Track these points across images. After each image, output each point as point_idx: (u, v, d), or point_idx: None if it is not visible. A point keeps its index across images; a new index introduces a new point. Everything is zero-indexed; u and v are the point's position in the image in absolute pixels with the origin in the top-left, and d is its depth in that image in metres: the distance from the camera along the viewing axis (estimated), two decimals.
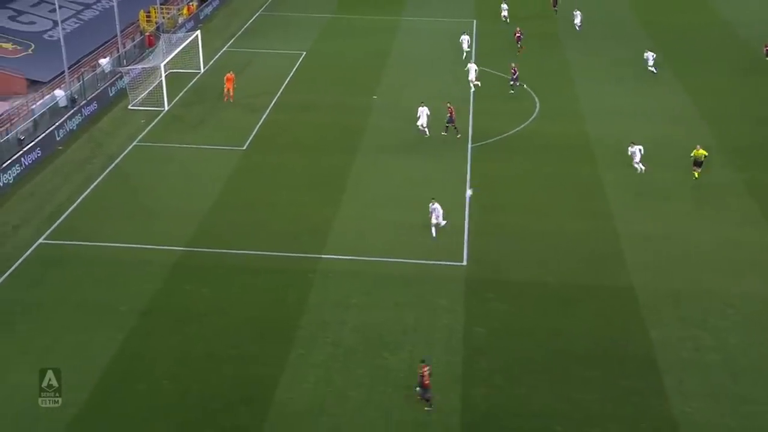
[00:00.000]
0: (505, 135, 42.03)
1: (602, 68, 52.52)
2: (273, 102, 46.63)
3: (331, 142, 41.34)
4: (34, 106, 44.43)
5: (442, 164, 38.90)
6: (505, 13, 62.89)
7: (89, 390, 24.19)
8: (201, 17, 62.88)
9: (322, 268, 30.43)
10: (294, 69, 52.10)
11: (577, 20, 59.77)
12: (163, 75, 45.95)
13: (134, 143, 41.29)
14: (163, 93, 45.55)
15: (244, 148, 40.82)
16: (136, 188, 36.93)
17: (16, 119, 42.96)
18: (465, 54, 53.27)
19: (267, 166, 38.82)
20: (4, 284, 29.54)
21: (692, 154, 36.46)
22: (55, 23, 50.50)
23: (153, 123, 43.72)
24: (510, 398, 24.21)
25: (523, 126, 43.20)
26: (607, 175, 37.62)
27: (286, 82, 49.81)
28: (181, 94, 47.70)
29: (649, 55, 50.42)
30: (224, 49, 56.63)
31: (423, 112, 41.34)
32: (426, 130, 41.25)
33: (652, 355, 25.89)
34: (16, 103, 45.70)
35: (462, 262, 30.90)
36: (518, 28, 56.22)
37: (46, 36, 54.28)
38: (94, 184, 37.01)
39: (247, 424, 23.20)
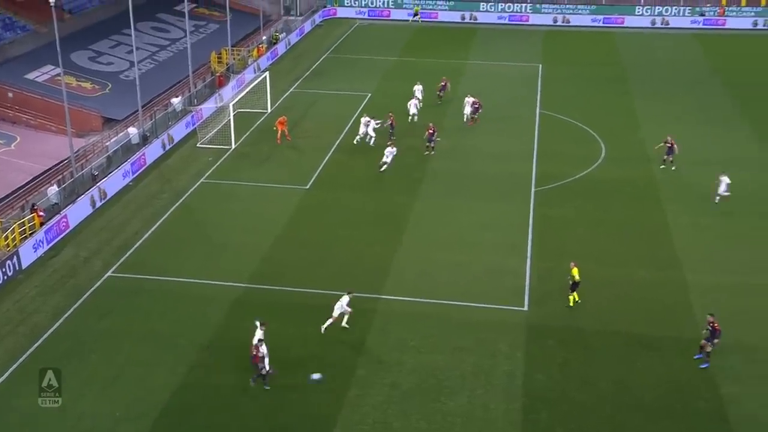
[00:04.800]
0: (570, 179, 41.58)
1: (670, 112, 51.69)
2: (337, 142, 47.19)
3: (394, 182, 41.51)
4: (108, 143, 45.94)
5: (503, 207, 38.61)
6: (414, 110, 49.20)
7: (151, 421, 24.40)
8: (270, 59, 64.40)
9: (381, 309, 30.34)
10: (359, 110, 52.73)
11: (467, 109, 49.44)
12: (232, 114, 47.05)
13: (201, 180, 42.22)
14: (230, 132, 46.59)
15: (308, 187, 41.31)
16: (201, 224, 37.65)
17: (91, 155, 44.46)
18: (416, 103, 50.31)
19: (329, 205, 39.16)
20: (75, 314, 30.28)
21: (568, 277, 30.24)
22: (132, 64, 52.36)
23: (220, 161, 44.68)
24: None
25: (588, 171, 42.68)
26: (675, 222, 36.74)
27: (351, 122, 50.41)
28: (248, 134, 48.69)
29: (724, 180, 38.55)
30: (291, 90, 57.76)
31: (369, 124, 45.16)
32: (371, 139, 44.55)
33: (723, 411, 24.88)
34: (92, 139, 47.36)
35: (523, 307, 30.44)
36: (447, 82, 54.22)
37: (122, 76, 56.35)
38: (162, 219, 37.88)
39: None
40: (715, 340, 26.55)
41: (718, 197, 37.96)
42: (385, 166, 41.91)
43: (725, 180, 37.86)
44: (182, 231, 36.92)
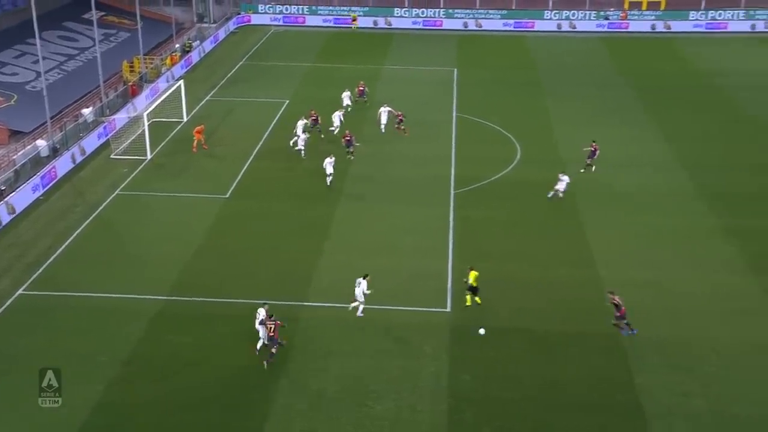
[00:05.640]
0: (488, 181, 42.34)
1: (582, 113, 53.32)
2: (256, 150, 46.81)
3: (314, 189, 41.41)
4: (15, 156, 44.30)
5: (424, 210, 39.04)
6: (338, 122, 48.64)
7: None
8: (184, 67, 63.33)
9: (305, 316, 30.23)
10: (277, 117, 52.45)
11: (383, 119, 48.78)
12: (146, 124, 46.08)
13: (117, 192, 41.17)
14: (146, 142, 45.61)
15: (227, 196, 40.81)
16: (118, 237, 36.73)
17: None
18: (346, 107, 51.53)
19: (250, 214, 38.78)
20: None
21: (465, 279, 30.88)
22: (38, 74, 50.64)
23: (136, 172, 43.68)
24: None
25: (504, 172, 43.57)
26: (589, 221, 37.90)
27: (269, 130, 50.09)
28: (164, 143, 47.78)
29: (564, 179, 39.76)
30: (207, 98, 56.98)
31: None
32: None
33: (639, 402, 25.78)
34: None
35: (446, 308, 30.83)
36: (361, 82, 55.19)
37: (29, 87, 54.42)
38: (76, 233, 36.77)
39: None
40: (619, 314, 28.77)
41: (551, 193, 39.22)
42: (330, 178, 41.20)
43: (565, 179, 39.05)
44: (98, 245, 35.92)
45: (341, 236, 36.50)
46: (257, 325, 28.06)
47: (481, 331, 28.99)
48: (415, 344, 28.62)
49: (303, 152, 44.75)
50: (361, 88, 54.47)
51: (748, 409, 25.57)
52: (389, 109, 49.19)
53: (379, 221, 38.03)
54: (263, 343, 27.58)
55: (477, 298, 30.65)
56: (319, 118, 47.46)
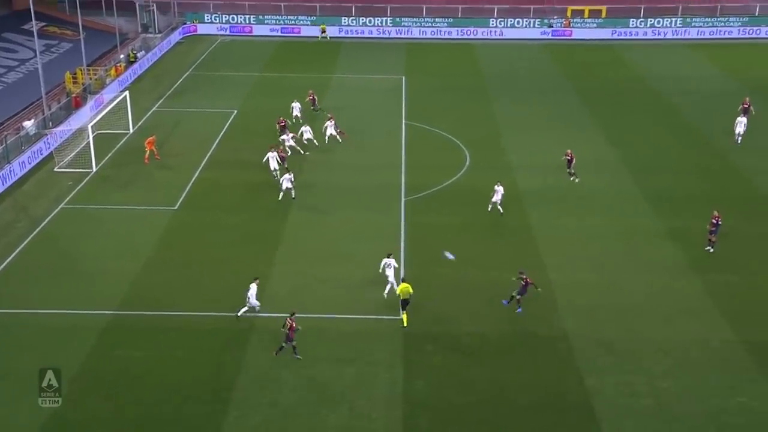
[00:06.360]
0: (438, 188, 42.61)
1: (528, 119, 54.06)
2: (204, 160, 46.34)
3: (264, 198, 41.15)
4: None
5: (375, 218, 39.09)
6: (297, 112, 51.11)
7: None
8: (129, 78, 62.42)
9: (258, 326, 29.97)
10: (225, 127, 52.02)
11: (330, 131, 48.49)
12: (91, 136, 45.24)
13: (61, 206, 40.31)
14: (91, 154, 44.77)
15: (176, 207, 40.29)
16: (63, 252, 35.93)
17: None
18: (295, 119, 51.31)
19: (200, 225, 38.34)
20: None
21: (398, 291, 30.27)
22: None
23: (81, 185, 42.83)
24: None
25: (454, 179, 43.90)
26: (538, 225, 38.40)
27: (218, 140, 49.66)
28: (109, 155, 46.98)
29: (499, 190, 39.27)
30: (153, 108, 56.25)
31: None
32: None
33: (589, 403, 26.17)
34: None
35: (399, 315, 30.85)
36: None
37: None
38: (18, 249, 35.86)
39: None
40: (523, 295, 30.77)
41: (490, 206, 39.08)
42: (293, 192, 40.84)
43: (500, 190, 38.96)
44: (42, 260, 35.08)
45: (293, 245, 36.32)
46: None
47: (450, 256, 31.38)
48: (370, 352, 28.60)
49: (315, 141, 46.90)
50: (312, 98, 54.36)
51: (696, 406, 26.12)
52: (334, 122, 48.86)
53: (330, 229, 37.94)
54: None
55: (405, 315, 30.11)
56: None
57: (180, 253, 35.64)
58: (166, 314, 30.75)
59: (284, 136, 46.61)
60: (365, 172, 44.75)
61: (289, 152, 45.54)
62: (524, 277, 30.71)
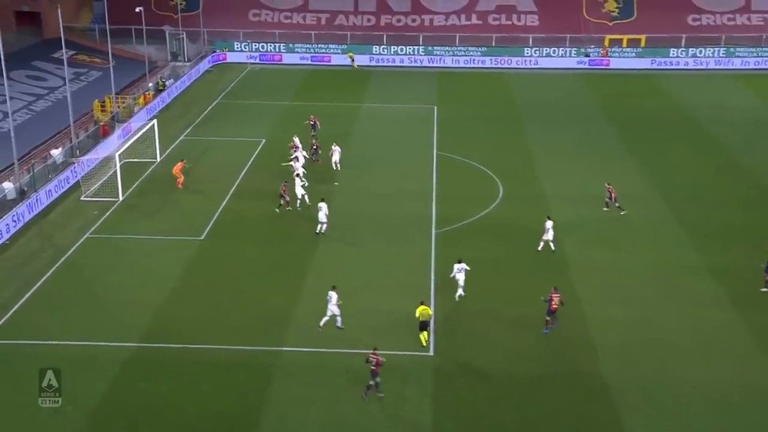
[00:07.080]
0: (470, 220, 41.52)
1: (563, 149, 52.92)
2: (232, 190, 45.75)
3: (291, 228, 40.38)
4: None
5: (406, 250, 38.05)
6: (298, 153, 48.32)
7: None
8: (157, 106, 62.41)
9: (283, 362, 29.01)
10: (253, 156, 51.53)
11: (336, 157, 48.20)
12: (118, 165, 44.93)
13: (87, 235, 39.83)
14: (117, 183, 44.40)
15: (202, 237, 39.61)
16: (88, 282, 35.32)
17: None
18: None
19: (226, 256, 37.59)
20: None
21: (417, 314, 29.96)
22: (6, 114, 49.49)
23: (107, 214, 42.39)
24: None
25: (487, 211, 42.80)
26: (572, 257, 37.10)
27: (245, 169, 49.12)
28: (136, 184, 46.60)
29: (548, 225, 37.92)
30: (181, 137, 56.01)
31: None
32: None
33: None
34: None
35: (429, 352, 29.72)
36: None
37: None
38: (43, 279, 35.34)
39: None
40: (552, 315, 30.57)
41: (541, 244, 37.49)
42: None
43: (549, 225, 37.34)
44: (66, 290, 34.49)
45: (321, 277, 35.30)
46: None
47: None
48: (398, 389, 27.47)
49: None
50: (313, 122, 53.62)
51: None
52: (339, 148, 48.32)
53: (359, 261, 36.99)
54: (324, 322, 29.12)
55: (424, 335, 29.71)
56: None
57: (205, 285, 34.86)
58: (191, 347, 29.91)
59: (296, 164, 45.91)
60: (395, 202, 43.81)
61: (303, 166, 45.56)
62: (548, 297, 30.57)
